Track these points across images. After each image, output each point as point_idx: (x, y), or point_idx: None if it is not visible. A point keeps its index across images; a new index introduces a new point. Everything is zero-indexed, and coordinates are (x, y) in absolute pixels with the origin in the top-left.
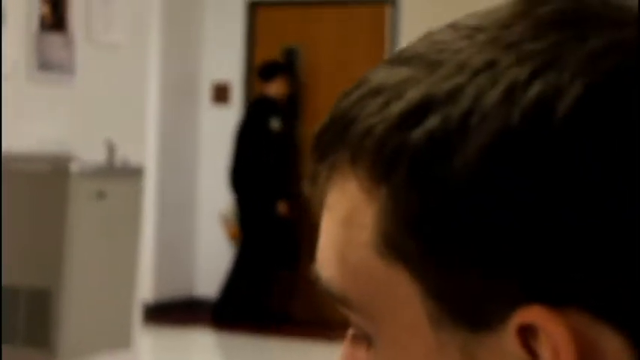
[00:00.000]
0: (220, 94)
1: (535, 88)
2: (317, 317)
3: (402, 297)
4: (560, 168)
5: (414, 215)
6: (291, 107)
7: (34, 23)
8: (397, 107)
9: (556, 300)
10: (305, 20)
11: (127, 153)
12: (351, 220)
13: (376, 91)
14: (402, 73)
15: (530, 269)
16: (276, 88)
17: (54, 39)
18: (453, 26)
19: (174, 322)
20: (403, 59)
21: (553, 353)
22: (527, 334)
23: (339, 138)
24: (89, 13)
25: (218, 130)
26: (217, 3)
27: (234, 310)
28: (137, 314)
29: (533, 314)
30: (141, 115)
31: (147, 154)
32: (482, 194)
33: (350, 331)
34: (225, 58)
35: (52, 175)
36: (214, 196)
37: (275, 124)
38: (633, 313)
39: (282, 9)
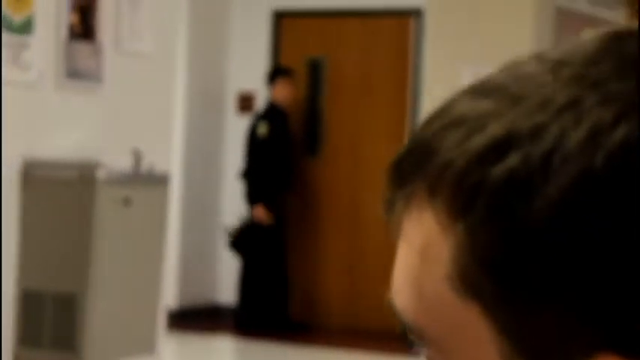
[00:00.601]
0: (245, 103)
1: (620, 132)
2: (336, 325)
3: (474, 334)
4: None
5: (491, 254)
6: (313, 115)
7: (63, 32)
8: (478, 141)
9: (631, 348)
10: (329, 31)
11: (152, 161)
12: (426, 252)
13: (458, 123)
14: (485, 105)
15: (608, 315)
16: (277, 92)
17: (82, 47)
18: (538, 58)
19: (197, 329)
20: (486, 90)
21: None
22: None
23: (418, 168)
24: (117, 23)
25: (243, 139)
26: (243, 13)
27: (253, 317)
28: (161, 320)
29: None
30: (167, 123)
31: (172, 162)
32: (562, 237)
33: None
34: (251, 67)
35: (79, 182)
36: (238, 204)
37: (261, 129)
38: None
39: (307, 20)
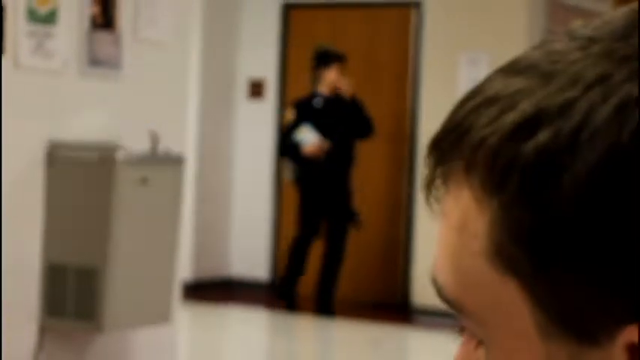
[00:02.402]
0: (256, 89)
1: None
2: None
3: (511, 306)
4: None
5: (525, 229)
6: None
7: (85, 22)
8: (510, 119)
9: None
10: (335, 21)
11: (169, 143)
12: (464, 228)
13: (491, 101)
14: (517, 83)
15: (637, 288)
16: (321, 79)
17: (103, 37)
18: (570, 35)
19: (210, 300)
20: (518, 69)
21: None
22: (636, 353)
23: (455, 147)
24: (136, 14)
25: (253, 123)
26: (254, 5)
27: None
28: (176, 292)
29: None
30: (182, 108)
31: (187, 143)
32: (592, 211)
33: (465, 332)
34: (261, 56)
35: (100, 162)
36: (248, 184)
37: (289, 115)
38: None
39: (314, 11)
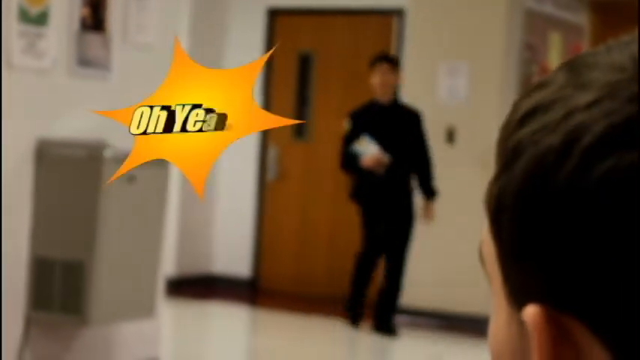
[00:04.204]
0: None
1: (594, 129)
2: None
3: (495, 266)
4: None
5: (496, 202)
6: (302, 103)
7: (75, 24)
8: (516, 114)
9: (561, 305)
10: (319, 27)
11: None
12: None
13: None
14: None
15: (552, 272)
16: (372, 79)
17: (93, 38)
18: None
19: (193, 296)
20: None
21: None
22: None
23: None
24: (125, 17)
25: None
26: (241, 10)
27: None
28: (160, 287)
29: (536, 309)
30: None
31: None
32: (519, 207)
33: None
34: (247, 60)
35: (88, 160)
36: (232, 183)
37: (346, 125)
38: (621, 335)
39: (299, 17)
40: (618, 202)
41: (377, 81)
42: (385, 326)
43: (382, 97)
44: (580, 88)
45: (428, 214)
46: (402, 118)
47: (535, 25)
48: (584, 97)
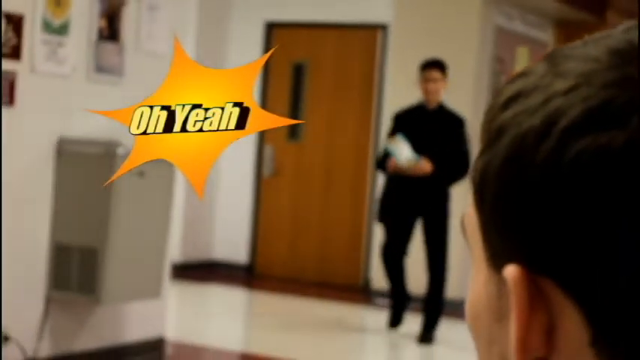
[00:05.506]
0: None
1: (565, 118)
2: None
3: (475, 234)
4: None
5: (479, 174)
6: (296, 108)
7: (93, 34)
8: (500, 99)
9: (537, 267)
10: (311, 40)
11: None
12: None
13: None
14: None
15: (529, 239)
16: (421, 85)
17: (108, 47)
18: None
19: (195, 279)
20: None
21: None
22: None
23: None
24: (137, 28)
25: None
26: (241, 23)
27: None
28: (166, 271)
29: (516, 268)
30: None
31: None
32: (494, 180)
33: None
34: None
35: (103, 156)
36: (231, 178)
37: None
38: (589, 292)
39: (293, 30)
40: (589, 178)
41: (426, 87)
42: (422, 334)
43: (431, 102)
44: (559, 76)
45: (419, 166)
46: (443, 123)
47: (505, 41)
48: (562, 84)
